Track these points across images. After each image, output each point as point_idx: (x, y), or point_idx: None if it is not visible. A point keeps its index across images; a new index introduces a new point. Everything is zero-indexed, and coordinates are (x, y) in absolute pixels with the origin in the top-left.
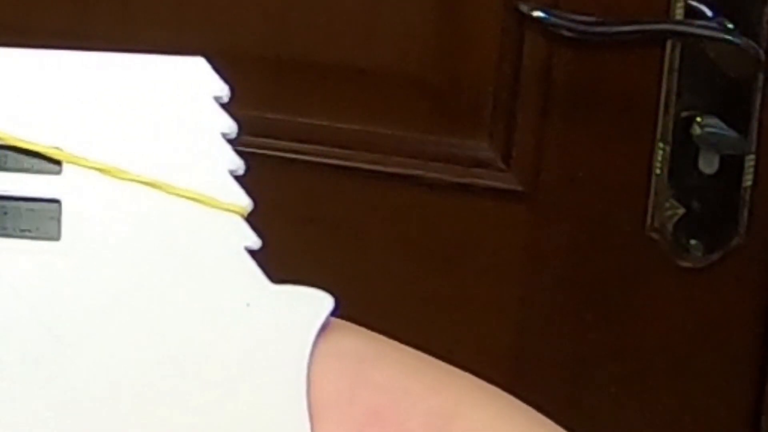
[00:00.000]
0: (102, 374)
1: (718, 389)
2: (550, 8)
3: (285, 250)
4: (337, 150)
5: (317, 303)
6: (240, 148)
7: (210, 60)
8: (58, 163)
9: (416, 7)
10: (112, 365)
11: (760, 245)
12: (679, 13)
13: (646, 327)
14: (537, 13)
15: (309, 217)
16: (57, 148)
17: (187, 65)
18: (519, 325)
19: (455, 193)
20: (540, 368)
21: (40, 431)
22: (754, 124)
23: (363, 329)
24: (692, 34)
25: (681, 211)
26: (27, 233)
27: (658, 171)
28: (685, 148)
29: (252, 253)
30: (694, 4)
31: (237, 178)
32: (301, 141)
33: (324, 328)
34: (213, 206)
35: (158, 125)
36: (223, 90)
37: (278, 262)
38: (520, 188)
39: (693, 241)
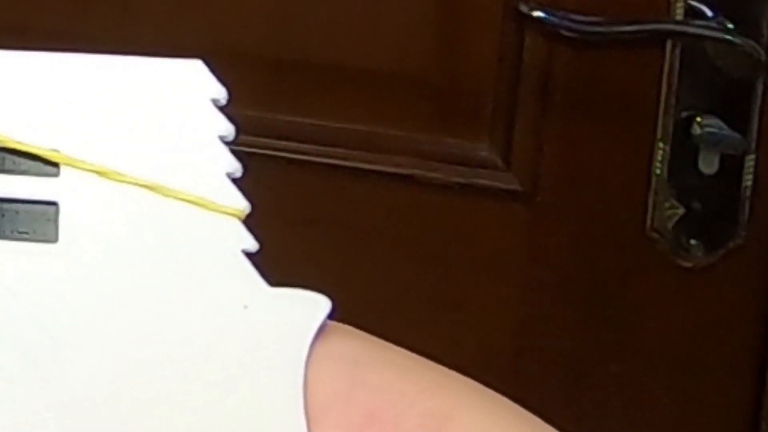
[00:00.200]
0: (99, 376)
1: (718, 389)
2: (550, 8)
3: (285, 250)
4: (337, 150)
5: (314, 306)
6: (240, 149)
7: (210, 60)
8: (55, 165)
9: (416, 7)
10: (109, 367)
11: (760, 245)
12: (679, 13)
13: (646, 327)
14: (537, 13)
15: (309, 217)
16: (54, 150)
17: (185, 68)
18: (519, 324)
19: (455, 193)
20: (540, 368)
21: None
22: (754, 124)
23: (359, 332)
24: (692, 34)
25: (681, 211)
26: (24, 235)
27: (658, 171)
28: (685, 148)
29: (249, 255)
30: (694, 4)
31: (235, 181)
32: (301, 141)
33: (321, 330)
34: (210, 209)
35: (156, 128)
36: (221, 93)
37: (278, 261)
38: (520, 188)
39: (693, 241)
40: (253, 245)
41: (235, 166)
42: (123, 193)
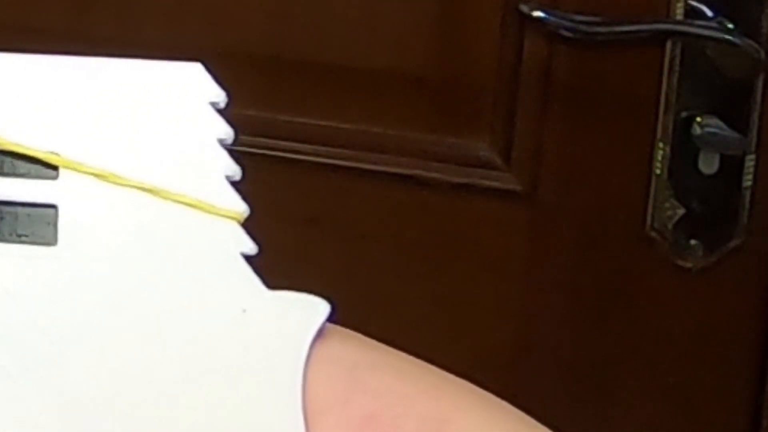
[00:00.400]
0: (98, 379)
1: (718, 389)
2: (550, 8)
3: (285, 250)
4: (337, 150)
5: (313, 309)
6: (240, 148)
7: (210, 60)
8: (55, 168)
9: (416, 7)
10: (108, 370)
11: (760, 245)
12: (679, 13)
13: (646, 327)
14: (537, 13)
15: (309, 217)
16: (54, 153)
17: (184, 71)
18: (519, 324)
19: (455, 193)
20: (540, 367)
21: None
22: (754, 124)
23: (358, 335)
24: (692, 34)
25: (681, 211)
26: (24, 238)
27: (658, 171)
28: (685, 148)
29: (248, 258)
30: (694, 4)
31: (234, 184)
32: (301, 141)
33: (319, 333)
34: (209, 212)
35: (155, 131)
36: (220, 96)
37: (278, 261)
38: (520, 188)
39: (693, 241)
40: (252, 248)
41: (234, 170)
42: (122, 196)
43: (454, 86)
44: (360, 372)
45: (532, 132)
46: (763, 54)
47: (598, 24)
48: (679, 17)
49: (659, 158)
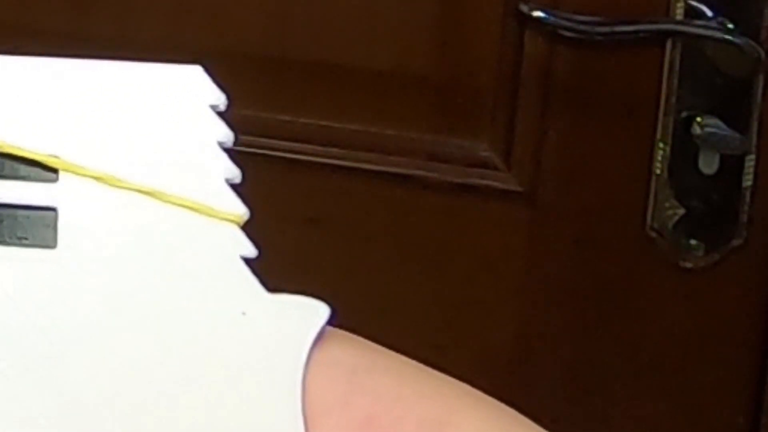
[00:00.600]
0: (97, 381)
1: (718, 389)
2: (550, 8)
3: (285, 250)
4: (337, 150)
5: (313, 312)
6: (240, 149)
7: (210, 60)
8: (54, 171)
9: (416, 6)
10: (107, 372)
11: (760, 245)
12: (679, 13)
13: (646, 327)
14: (537, 13)
15: (309, 217)
16: (54, 156)
17: (184, 73)
18: (519, 324)
19: (455, 193)
20: (539, 367)
21: None
22: (754, 124)
23: (357, 337)
24: (692, 34)
25: (681, 211)
26: (23, 241)
27: (658, 171)
28: (685, 148)
29: (248, 261)
30: (694, 4)
31: (233, 187)
32: (301, 141)
33: (319, 336)
34: (209, 215)
35: (155, 133)
36: (220, 98)
37: (278, 261)
38: (520, 188)
39: (693, 241)
40: (251, 251)
41: (234, 172)
42: (122, 198)
43: (455, 86)
44: (359, 374)
45: (532, 132)
46: (763, 54)
47: (598, 24)
48: (679, 17)
49: (659, 158)
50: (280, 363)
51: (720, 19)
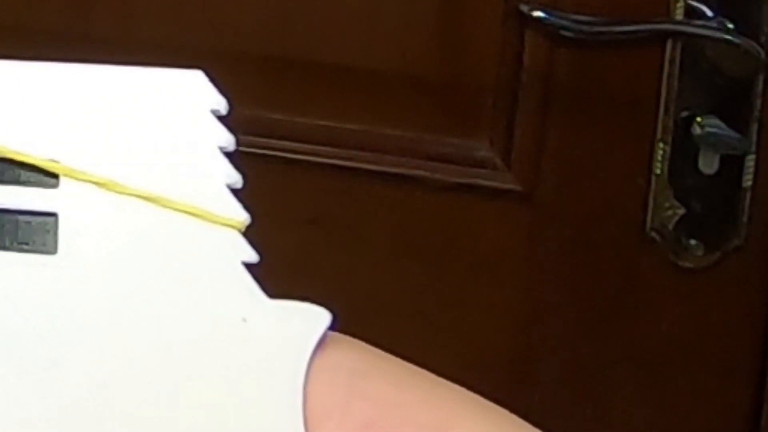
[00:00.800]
0: (97, 387)
1: (718, 389)
2: (550, 8)
3: (284, 250)
4: (337, 150)
5: (314, 319)
6: (240, 149)
7: (210, 60)
8: (55, 176)
9: (416, 7)
10: (107, 378)
11: (760, 245)
12: (679, 13)
13: (645, 327)
14: (537, 13)
15: (309, 217)
16: (54, 161)
17: (185, 78)
18: (519, 324)
19: (455, 193)
20: (539, 368)
21: None
22: (754, 124)
23: (357, 342)
24: (692, 34)
25: (681, 211)
26: (23, 246)
27: (658, 171)
28: (685, 148)
29: (249, 267)
30: (694, 4)
31: (234, 192)
32: (301, 141)
33: (320, 342)
34: (210, 221)
35: (155, 138)
36: (221, 103)
37: (278, 261)
38: (520, 188)
39: (693, 241)
40: (252, 257)
41: (235, 178)
42: (122, 204)
43: (454, 86)
44: (359, 380)
45: (532, 132)
46: (763, 54)
47: (598, 24)
48: (679, 17)
49: (659, 158)
50: (281, 370)
51: (720, 19)
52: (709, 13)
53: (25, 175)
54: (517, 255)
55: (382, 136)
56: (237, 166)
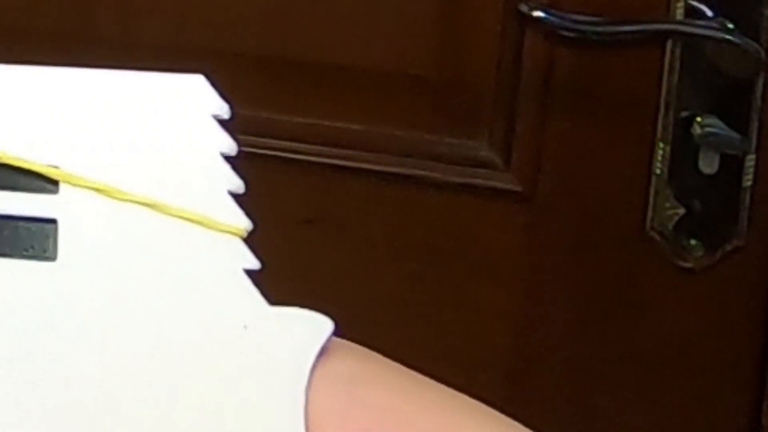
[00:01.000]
0: (98, 393)
1: (718, 389)
2: (550, 8)
3: (284, 250)
4: (337, 150)
5: (316, 326)
6: (240, 148)
7: (210, 60)
8: (55, 182)
9: (416, 6)
10: (108, 384)
11: (760, 245)
12: (679, 13)
13: (646, 327)
14: (537, 13)
15: (308, 217)
16: (54, 167)
17: (187, 83)
18: (518, 324)
19: (455, 193)
20: (539, 368)
21: None
22: (754, 124)
23: (358, 348)
24: (692, 34)
25: (681, 211)
26: (24, 252)
27: (658, 171)
28: (685, 148)
29: (250, 274)
30: (694, 4)
31: (236, 198)
32: (301, 141)
33: (322, 350)
34: (211, 227)
35: (157, 144)
36: (223, 108)
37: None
38: (520, 188)
39: (693, 241)
40: (254, 264)
41: (237, 184)
42: (123, 210)
43: (454, 86)
44: (359, 387)
45: (532, 132)
46: (763, 54)
47: (598, 24)
48: (679, 17)
49: (659, 158)
50: (282, 377)
51: (720, 19)
52: (710, 13)
53: (25, 181)
54: (517, 255)
55: (382, 136)
56: (239, 172)
